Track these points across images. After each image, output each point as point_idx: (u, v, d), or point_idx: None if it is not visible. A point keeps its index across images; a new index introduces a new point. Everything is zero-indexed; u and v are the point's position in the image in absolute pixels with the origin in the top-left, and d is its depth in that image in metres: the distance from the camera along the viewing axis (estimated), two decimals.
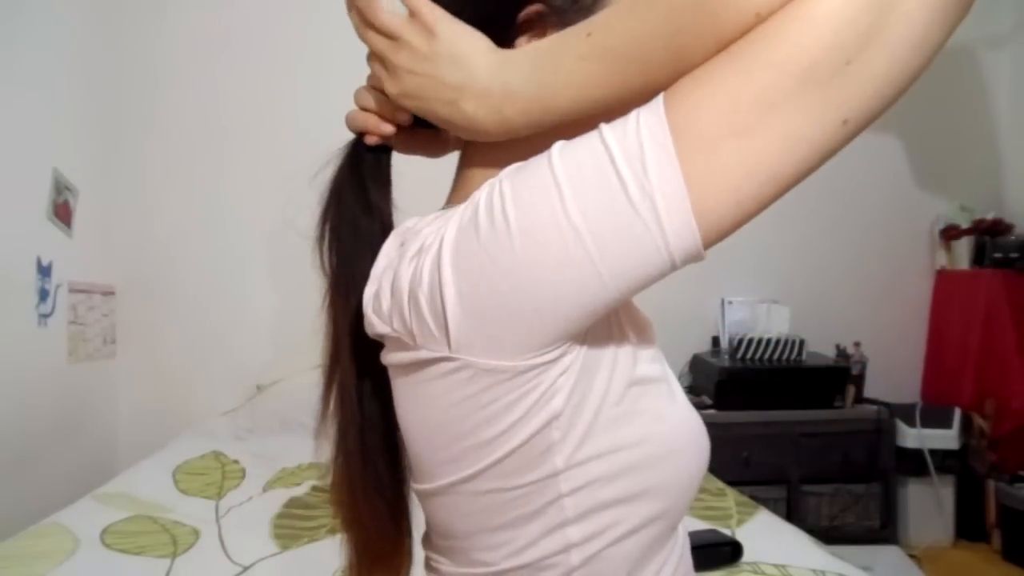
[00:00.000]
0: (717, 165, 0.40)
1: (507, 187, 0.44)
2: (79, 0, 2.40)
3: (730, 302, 2.82)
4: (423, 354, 0.47)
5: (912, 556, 2.43)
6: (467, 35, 0.52)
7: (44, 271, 2.11)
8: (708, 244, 0.42)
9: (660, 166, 0.40)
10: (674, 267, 0.42)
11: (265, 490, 1.82)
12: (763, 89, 0.39)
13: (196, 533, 1.53)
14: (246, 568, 1.37)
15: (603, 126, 0.43)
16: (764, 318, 2.76)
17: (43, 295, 2.11)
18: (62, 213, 2.22)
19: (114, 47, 2.56)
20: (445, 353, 0.46)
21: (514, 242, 0.42)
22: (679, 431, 0.53)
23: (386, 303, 0.49)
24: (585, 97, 0.47)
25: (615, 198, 0.41)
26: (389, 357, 0.51)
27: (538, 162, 0.44)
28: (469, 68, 0.51)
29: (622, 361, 0.50)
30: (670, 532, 0.55)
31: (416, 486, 0.54)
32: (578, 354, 0.47)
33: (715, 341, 2.86)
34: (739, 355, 2.64)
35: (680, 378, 2.82)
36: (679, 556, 0.57)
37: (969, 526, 2.66)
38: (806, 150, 0.40)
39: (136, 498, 1.71)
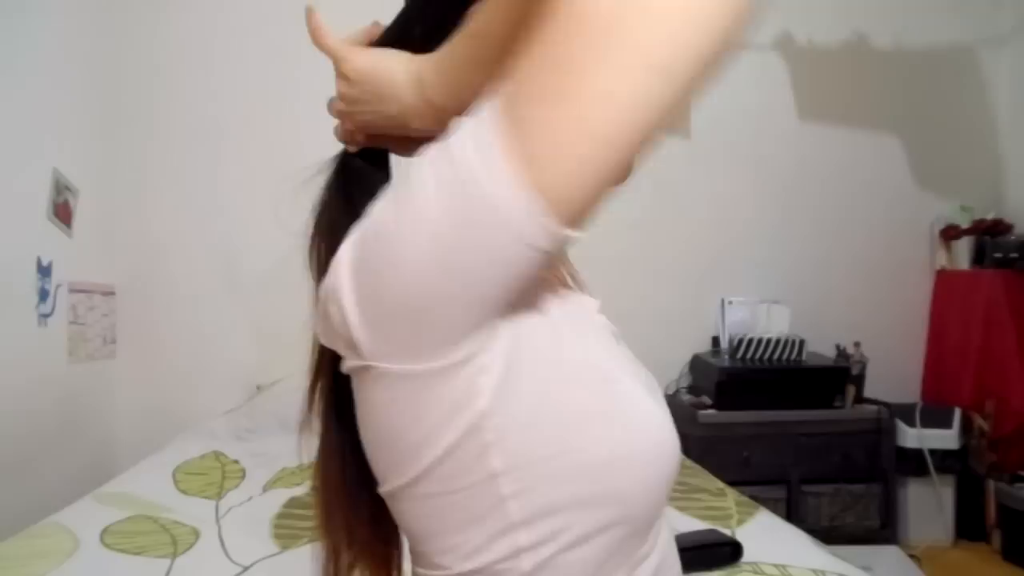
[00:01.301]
0: (540, 138, 0.40)
1: (382, 200, 0.46)
2: (79, 0, 2.40)
3: (730, 302, 2.82)
4: (351, 363, 0.49)
5: (912, 556, 2.43)
6: (384, 69, 0.56)
7: (44, 271, 2.11)
8: (567, 221, 0.41)
9: (487, 154, 0.40)
10: (542, 252, 0.42)
11: (265, 490, 1.82)
12: (558, 48, 0.39)
13: (196, 533, 1.53)
14: (246, 568, 1.37)
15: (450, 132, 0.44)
16: (764, 318, 2.76)
17: (43, 295, 2.11)
18: (62, 213, 2.22)
19: (114, 47, 2.56)
20: (363, 362, 0.47)
21: (385, 249, 0.43)
22: (638, 434, 0.51)
23: (319, 316, 0.51)
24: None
25: (462, 183, 0.41)
26: (341, 366, 0.52)
27: (402, 178, 0.46)
28: (399, 99, 0.56)
29: (561, 360, 0.50)
30: (637, 541, 0.53)
31: (380, 491, 0.55)
32: (498, 353, 0.46)
33: (715, 341, 2.86)
34: (739, 355, 2.64)
35: (680, 378, 2.82)
36: (653, 570, 0.55)
37: (969, 526, 2.66)
38: (623, 105, 0.39)
39: (136, 498, 1.71)
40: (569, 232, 0.42)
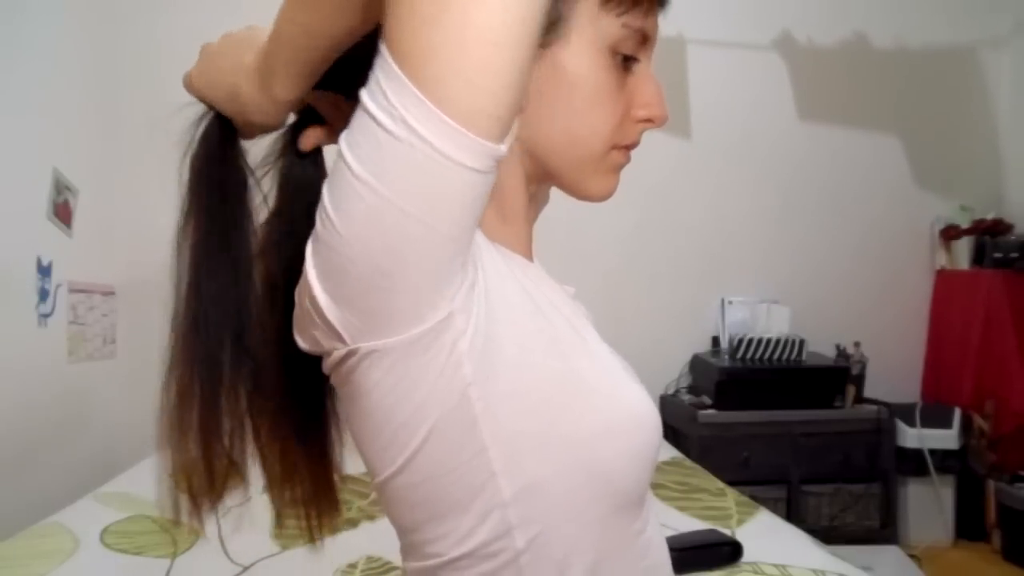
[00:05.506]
0: (434, 60, 0.40)
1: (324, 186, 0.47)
2: (79, 0, 2.40)
3: (730, 302, 2.83)
4: (335, 355, 0.49)
5: (912, 556, 2.43)
6: (239, 41, 0.58)
7: (44, 271, 2.11)
8: (485, 133, 0.42)
9: (391, 84, 0.41)
10: (477, 172, 0.42)
11: (265, 490, 1.81)
12: None
13: (196, 533, 1.53)
14: (246, 568, 1.37)
15: None
16: (764, 318, 2.76)
17: (43, 295, 2.11)
18: (62, 213, 2.22)
19: (114, 47, 2.56)
20: (347, 348, 0.47)
21: (334, 222, 0.44)
22: (618, 408, 0.53)
23: (296, 319, 0.51)
24: (318, 31, 0.50)
25: (377, 137, 0.42)
26: (324, 366, 0.52)
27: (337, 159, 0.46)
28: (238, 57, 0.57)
29: (540, 331, 0.51)
30: (629, 517, 0.54)
31: (373, 483, 0.55)
32: (475, 317, 0.47)
33: (715, 341, 2.86)
34: (739, 355, 2.64)
35: (680, 378, 2.82)
36: (646, 547, 0.56)
37: (969, 526, 2.66)
38: (497, 3, 0.40)
39: (136, 498, 1.71)
40: (493, 144, 0.42)
